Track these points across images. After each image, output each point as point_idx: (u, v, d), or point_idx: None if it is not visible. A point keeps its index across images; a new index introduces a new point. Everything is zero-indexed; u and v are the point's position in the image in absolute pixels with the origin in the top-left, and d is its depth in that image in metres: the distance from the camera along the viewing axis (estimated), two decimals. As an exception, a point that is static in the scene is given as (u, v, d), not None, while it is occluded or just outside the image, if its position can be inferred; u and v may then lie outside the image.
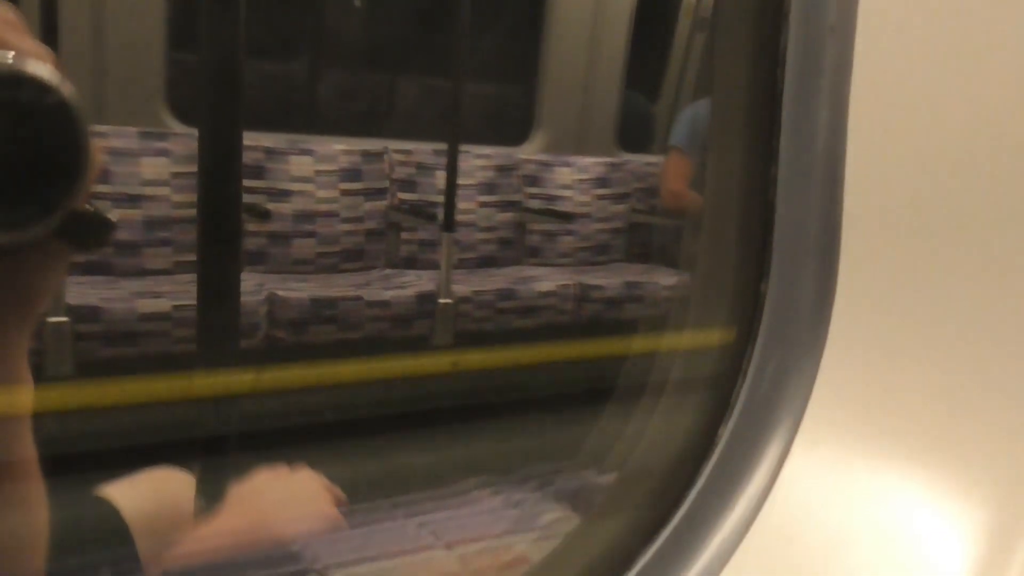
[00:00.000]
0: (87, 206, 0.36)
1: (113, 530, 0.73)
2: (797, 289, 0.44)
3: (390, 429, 2.60)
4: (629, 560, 0.43)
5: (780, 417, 0.44)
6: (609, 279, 3.52)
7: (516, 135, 3.86)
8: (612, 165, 3.92)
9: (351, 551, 0.60)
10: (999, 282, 0.43)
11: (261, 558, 0.60)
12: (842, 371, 0.43)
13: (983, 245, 0.43)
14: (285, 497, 0.81)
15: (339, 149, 3.28)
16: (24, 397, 0.44)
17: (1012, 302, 0.43)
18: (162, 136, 2.97)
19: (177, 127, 3.04)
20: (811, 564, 0.41)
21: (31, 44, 0.35)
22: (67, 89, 0.34)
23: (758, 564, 0.42)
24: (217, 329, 1.91)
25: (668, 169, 3.61)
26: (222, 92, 1.82)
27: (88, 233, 0.37)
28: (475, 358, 3.03)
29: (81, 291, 2.58)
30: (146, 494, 0.81)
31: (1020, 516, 0.40)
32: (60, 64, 0.35)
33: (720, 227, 0.47)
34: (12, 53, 0.33)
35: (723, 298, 0.47)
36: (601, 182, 3.88)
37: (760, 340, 0.45)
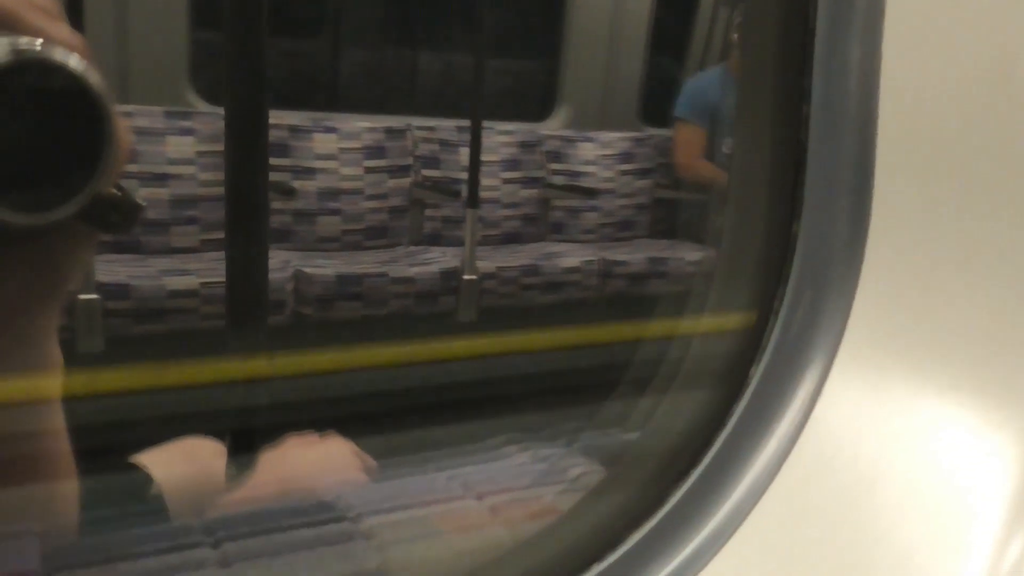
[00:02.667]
0: (114, 190, 0.37)
1: (147, 496, 0.75)
2: (830, 228, 0.44)
3: (414, 405, 2.62)
4: (660, 500, 0.43)
5: (812, 357, 0.43)
6: (633, 255, 3.51)
7: (539, 111, 3.85)
8: (636, 140, 3.89)
9: (383, 501, 0.61)
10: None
11: (295, 508, 0.61)
12: (875, 310, 0.43)
13: (1020, 179, 0.42)
14: (315, 463, 0.83)
15: (362, 126, 3.29)
16: (54, 373, 0.45)
17: (1049, 240, 0.43)
18: (187, 115, 2.99)
19: (202, 106, 3.06)
20: (845, 500, 0.41)
21: (61, 30, 0.36)
22: (93, 77, 0.34)
23: (791, 501, 0.42)
24: (245, 305, 1.93)
25: (678, 141, 3.62)
26: (247, 70, 1.83)
27: (115, 216, 0.38)
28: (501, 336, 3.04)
29: (110, 269, 2.61)
30: (178, 462, 0.83)
31: (1057, 449, 0.39)
32: (88, 51, 0.36)
33: (751, 168, 0.47)
34: (40, 40, 0.34)
35: (754, 241, 0.46)
36: (625, 157, 3.86)
37: (792, 281, 0.44)
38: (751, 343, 0.44)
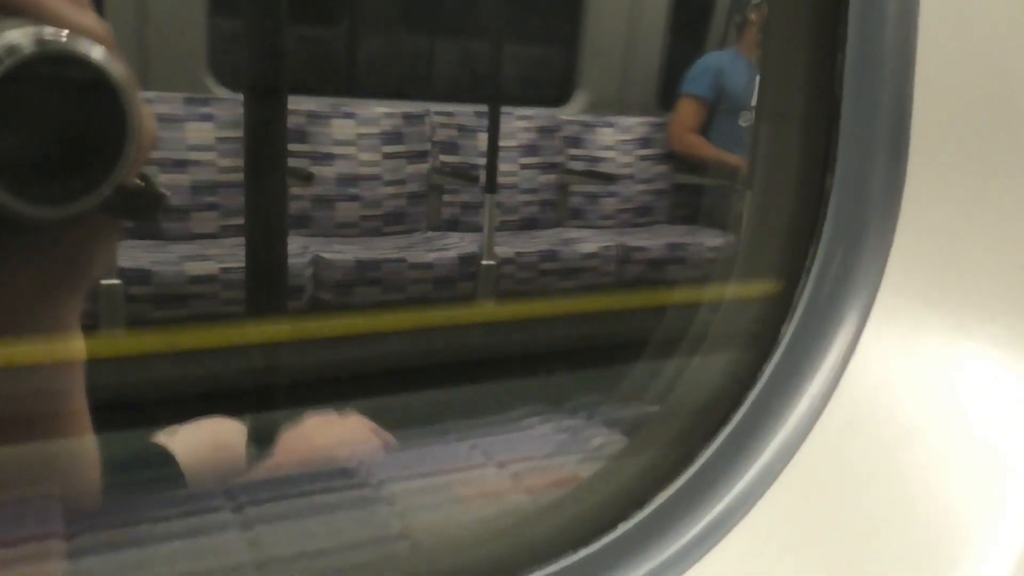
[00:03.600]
0: (138, 181, 0.37)
1: (169, 476, 0.75)
2: (864, 182, 0.42)
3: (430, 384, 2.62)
4: (688, 460, 0.43)
5: (845, 315, 0.42)
6: (652, 240, 3.49)
7: (557, 96, 3.82)
8: (655, 125, 3.87)
9: (404, 468, 0.60)
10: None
11: (317, 474, 0.61)
12: (911, 266, 0.42)
13: (1064, 130, 0.41)
14: (334, 441, 0.83)
15: (380, 112, 3.29)
16: (76, 359, 0.46)
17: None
18: (206, 101, 3.00)
19: (221, 92, 3.06)
20: (880, 459, 0.40)
21: (87, 19, 0.36)
22: (117, 68, 0.34)
23: (824, 460, 0.41)
24: (264, 291, 1.94)
25: (677, 113, 3.72)
26: (266, 57, 1.83)
27: (138, 206, 0.38)
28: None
29: (132, 254, 2.63)
30: (199, 442, 0.83)
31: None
32: (113, 41, 0.36)
33: (782, 122, 0.46)
34: (66, 32, 0.34)
35: (786, 198, 0.45)
36: (644, 142, 3.83)
37: (824, 238, 0.43)
38: (782, 302, 0.43)
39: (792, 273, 0.44)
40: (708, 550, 0.40)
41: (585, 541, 0.40)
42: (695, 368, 0.47)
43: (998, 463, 0.39)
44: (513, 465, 0.60)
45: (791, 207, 0.45)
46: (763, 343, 0.43)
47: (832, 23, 0.43)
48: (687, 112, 3.68)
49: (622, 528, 0.41)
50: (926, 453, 0.40)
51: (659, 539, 0.40)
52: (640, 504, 0.41)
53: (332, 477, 0.58)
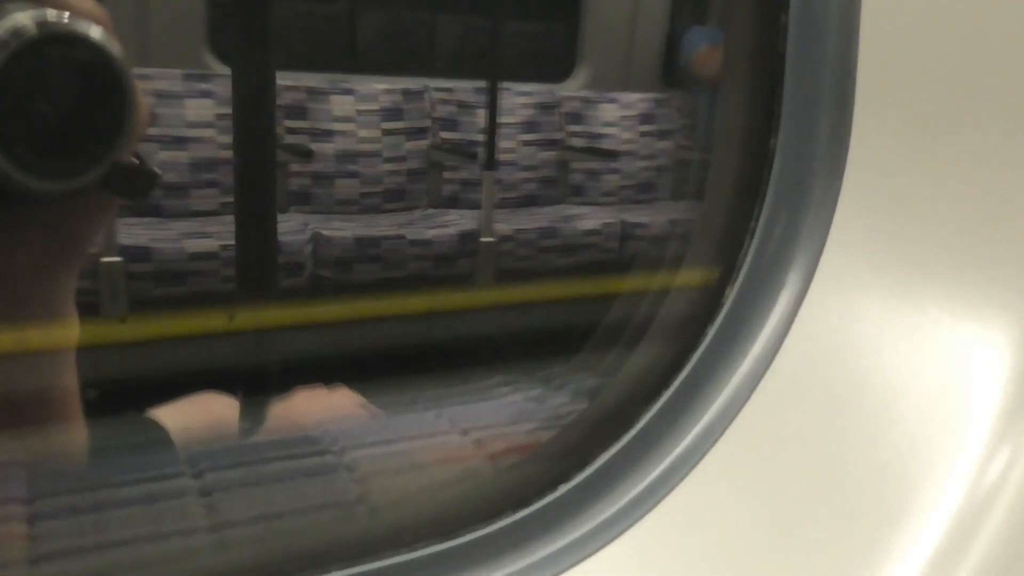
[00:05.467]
0: (132, 159, 0.39)
1: (161, 449, 0.75)
2: (809, 142, 0.42)
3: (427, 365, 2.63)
4: (631, 422, 0.43)
5: (789, 275, 0.42)
6: (654, 217, 3.47)
7: (558, 72, 3.80)
8: (658, 101, 3.84)
9: (367, 435, 0.60)
10: (1020, 127, 0.40)
11: (279, 441, 0.61)
12: (856, 226, 0.42)
13: (1006, 90, 0.40)
14: (323, 415, 0.83)
15: (380, 88, 3.27)
16: (70, 334, 0.47)
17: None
18: (205, 78, 2.99)
19: (220, 68, 3.06)
20: (822, 417, 0.40)
21: (87, 2, 0.37)
22: (114, 48, 0.36)
23: (765, 421, 0.41)
24: (254, 267, 1.94)
25: (701, 59, 3.50)
26: (257, 32, 1.83)
27: (132, 184, 0.39)
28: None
29: (133, 232, 2.64)
30: (192, 416, 0.84)
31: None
32: (110, 22, 0.37)
33: (732, 83, 0.45)
34: (67, 14, 0.35)
35: (733, 157, 0.45)
36: (646, 119, 3.81)
37: (769, 199, 0.43)
38: (726, 263, 0.43)
39: (736, 234, 0.43)
40: (649, 510, 0.40)
41: (525, 502, 0.40)
42: (640, 333, 0.47)
43: (939, 423, 0.39)
44: (477, 432, 0.60)
45: (737, 169, 0.44)
46: (706, 304, 0.43)
47: (778, -19, 0.42)
48: (708, 52, 3.49)
49: (562, 489, 0.41)
50: (868, 413, 0.40)
51: (599, 500, 0.40)
52: (581, 466, 0.41)
53: (294, 444, 0.58)
